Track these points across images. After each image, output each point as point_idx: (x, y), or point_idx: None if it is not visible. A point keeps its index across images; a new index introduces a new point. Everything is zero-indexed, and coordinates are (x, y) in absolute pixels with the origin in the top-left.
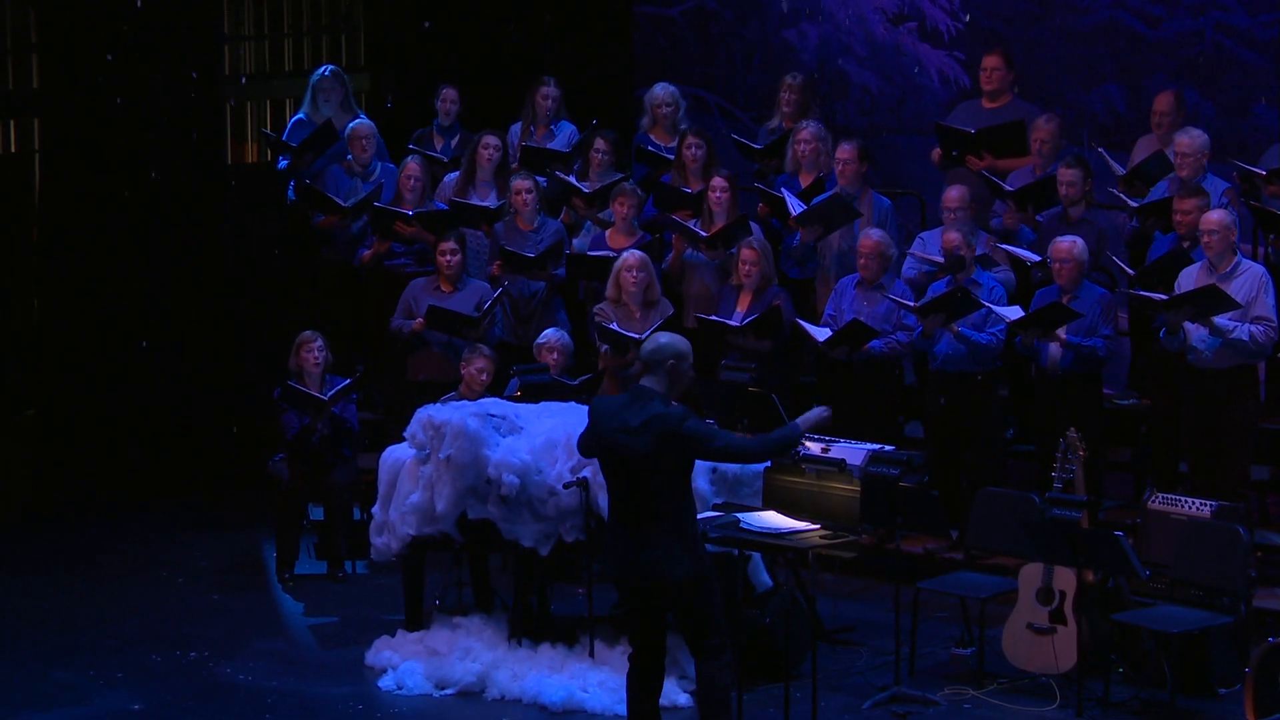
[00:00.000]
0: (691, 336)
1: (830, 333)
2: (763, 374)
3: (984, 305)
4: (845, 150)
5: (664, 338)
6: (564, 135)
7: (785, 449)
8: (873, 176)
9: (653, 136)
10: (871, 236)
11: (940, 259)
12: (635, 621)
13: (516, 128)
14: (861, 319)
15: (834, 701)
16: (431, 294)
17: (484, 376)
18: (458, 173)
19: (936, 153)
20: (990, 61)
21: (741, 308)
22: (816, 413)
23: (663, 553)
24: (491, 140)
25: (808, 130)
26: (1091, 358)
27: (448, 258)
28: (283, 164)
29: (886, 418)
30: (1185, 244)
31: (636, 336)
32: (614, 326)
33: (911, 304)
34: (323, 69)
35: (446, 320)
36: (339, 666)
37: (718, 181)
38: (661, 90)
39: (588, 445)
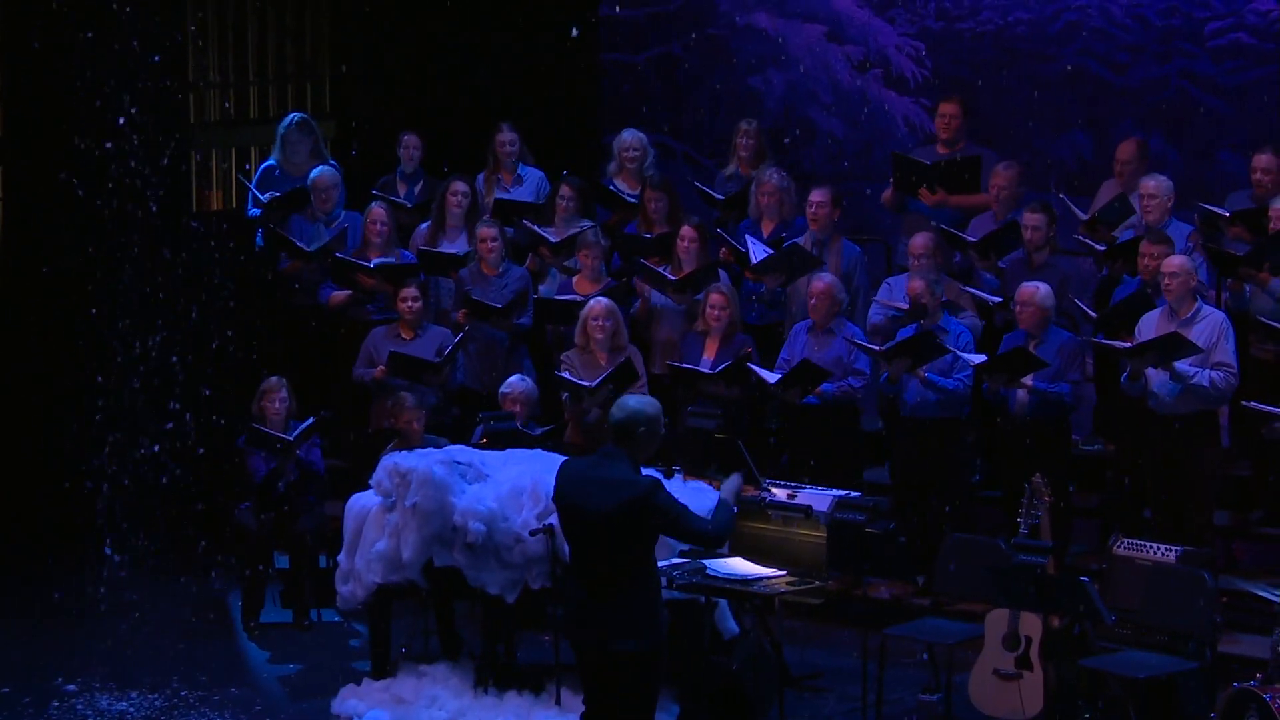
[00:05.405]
0: (660, 383)
1: (780, 375)
2: (728, 420)
3: (949, 351)
4: (818, 195)
5: (633, 402)
6: (532, 181)
7: (731, 526)
8: (840, 223)
9: (618, 182)
10: (823, 280)
11: (905, 305)
12: (587, 680)
13: (482, 177)
14: (812, 362)
15: None
16: (392, 341)
17: (416, 424)
18: (429, 222)
19: (887, 194)
20: (947, 109)
21: (709, 354)
22: (731, 483)
23: (616, 621)
24: (460, 187)
25: (771, 181)
26: (1058, 403)
27: (409, 304)
28: (253, 212)
29: (848, 463)
30: (1149, 290)
31: (588, 385)
32: (566, 375)
33: (876, 348)
34: (290, 118)
35: (408, 366)
36: (305, 715)
37: (686, 231)
38: (630, 136)
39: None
